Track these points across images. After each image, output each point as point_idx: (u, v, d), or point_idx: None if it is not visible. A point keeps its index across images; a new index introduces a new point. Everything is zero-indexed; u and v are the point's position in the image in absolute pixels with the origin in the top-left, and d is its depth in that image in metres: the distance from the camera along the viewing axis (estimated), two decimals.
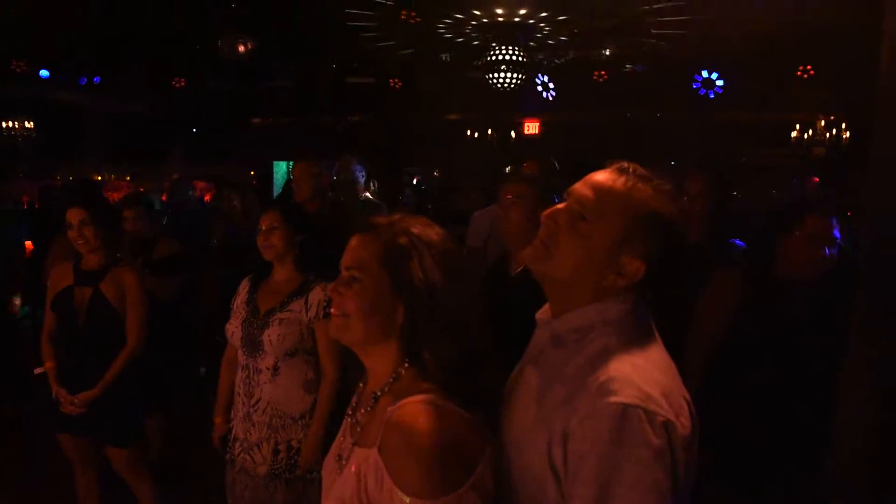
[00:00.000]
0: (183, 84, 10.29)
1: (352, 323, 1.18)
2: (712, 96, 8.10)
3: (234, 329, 2.60)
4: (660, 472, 1.02)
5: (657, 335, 1.21)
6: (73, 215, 2.84)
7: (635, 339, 1.16)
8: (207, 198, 7.46)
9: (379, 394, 1.20)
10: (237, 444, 2.58)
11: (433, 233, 1.21)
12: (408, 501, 1.06)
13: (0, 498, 3.73)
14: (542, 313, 1.30)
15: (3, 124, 10.13)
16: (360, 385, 1.31)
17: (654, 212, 1.17)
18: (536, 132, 12.36)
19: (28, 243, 5.44)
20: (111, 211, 3.07)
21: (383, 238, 1.19)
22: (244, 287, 2.71)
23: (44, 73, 9.37)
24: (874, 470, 1.96)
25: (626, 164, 1.22)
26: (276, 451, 2.52)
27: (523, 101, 9.53)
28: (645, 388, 1.06)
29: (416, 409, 1.09)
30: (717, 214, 2.99)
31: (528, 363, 1.27)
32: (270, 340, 2.50)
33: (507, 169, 3.71)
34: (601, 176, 1.23)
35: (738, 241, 4.53)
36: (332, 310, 1.21)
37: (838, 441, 2.08)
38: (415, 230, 1.20)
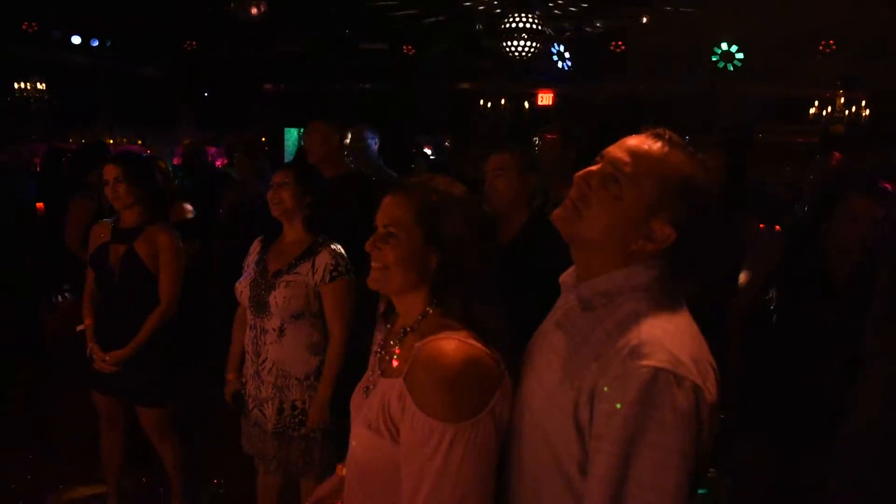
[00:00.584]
0: (195, 46, 10.20)
1: (390, 274, 1.30)
2: (731, 69, 7.95)
3: (242, 289, 2.64)
4: (684, 435, 1.05)
5: (684, 303, 1.22)
6: (109, 172, 2.85)
7: (664, 304, 1.17)
8: (219, 163, 7.44)
9: (408, 329, 1.33)
10: (250, 400, 2.67)
11: (458, 190, 1.34)
12: (416, 413, 1.17)
13: (19, 457, 3.80)
14: (567, 276, 1.33)
15: (16, 86, 10.09)
16: (388, 325, 1.44)
17: (688, 178, 1.17)
18: (550, 104, 12.22)
19: (39, 204, 5.46)
20: (147, 168, 3.06)
21: (415, 197, 1.31)
22: (255, 247, 2.74)
23: (55, 34, 9.32)
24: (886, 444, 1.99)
25: (661, 130, 1.22)
26: (280, 411, 2.58)
27: (537, 71, 9.41)
28: (675, 353, 1.08)
29: (440, 342, 1.21)
30: (733, 189, 3.01)
31: (554, 326, 1.29)
32: (276, 302, 2.53)
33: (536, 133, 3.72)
34: (636, 140, 1.23)
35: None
36: (373, 263, 1.32)
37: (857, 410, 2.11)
38: (442, 188, 1.33)
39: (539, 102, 12.16)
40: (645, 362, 1.06)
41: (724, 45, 7.88)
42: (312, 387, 2.59)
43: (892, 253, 2.16)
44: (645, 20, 8.25)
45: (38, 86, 10.12)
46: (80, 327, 3.00)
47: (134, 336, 2.87)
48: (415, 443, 1.17)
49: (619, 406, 1.06)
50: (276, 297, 2.53)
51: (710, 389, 1.10)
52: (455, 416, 1.16)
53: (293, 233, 2.64)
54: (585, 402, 1.12)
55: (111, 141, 11.38)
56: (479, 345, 1.22)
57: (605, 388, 1.09)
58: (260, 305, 2.58)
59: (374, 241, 1.32)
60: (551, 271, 1.43)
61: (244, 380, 2.73)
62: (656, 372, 1.05)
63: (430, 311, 1.31)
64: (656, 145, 1.20)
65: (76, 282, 5.14)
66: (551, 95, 12.16)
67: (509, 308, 1.33)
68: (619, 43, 8.88)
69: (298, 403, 2.59)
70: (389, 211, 1.32)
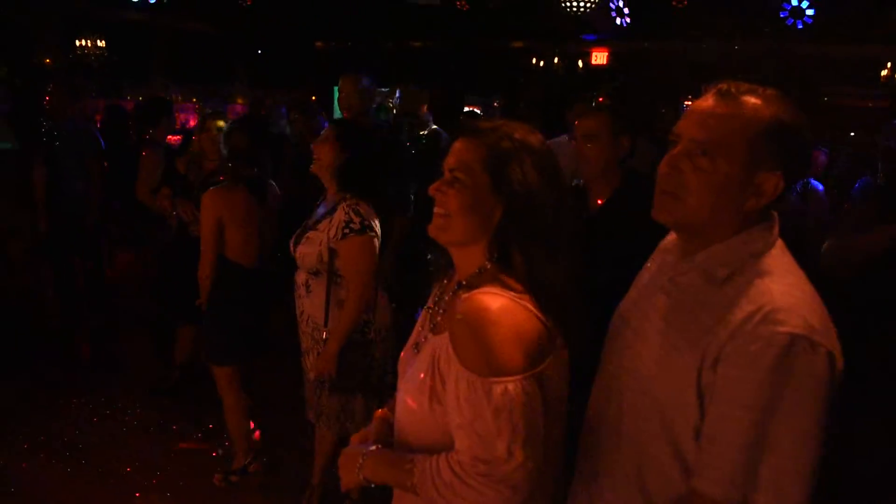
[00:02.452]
0: (249, 4, 10.20)
1: (452, 222, 1.24)
2: (800, 27, 7.55)
3: (291, 241, 2.69)
4: (821, 403, 1.05)
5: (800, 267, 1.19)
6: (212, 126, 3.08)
7: (789, 268, 1.16)
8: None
9: (463, 283, 1.27)
10: (302, 353, 2.75)
11: (533, 139, 1.25)
12: (461, 371, 1.14)
13: (87, 400, 4.01)
14: (669, 243, 1.32)
15: (77, 43, 10.30)
16: (444, 280, 1.39)
17: (774, 120, 1.14)
18: (604, 62, 11.86)
19: (104, 162, 5.61)
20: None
21: (487, 142, 1.23)
22: (317, 204, 2.79)
23: None
24: None
25: (723, 86, 1.18)
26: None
27: (593, 28, 9.12)
28: (810, 319, 1.07)
29: (485, 296, 1.16)
30: None
31: (657, 291, 1.27)
32: (299, 256, 2.61)
33: (577, 101, 3.51)
34: (704, 104, 1.18)
35: (813, 182, 4.35)
36: (435, 209, 1.26)
37: None
38: (517, 135, 1.23)
39: (593, 61, 11.81)
40: (781, 329, 1.05)
41: (794, 1, 7.48)
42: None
43: None
44: None
45: (99, 43, 10.30)
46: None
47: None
48: (457, 398, 1.15)
49: (752, 373, 1.05)
50: (300, 252, 2.61)
51: (840, 358, 1.09)
52: (486, 370, 1.12)
53: (331, 189, 2.67)
54: (710, 366, 1.10)
55: (167, 98, 11.58)
56: (532, 308, 1.17)
57: (737, 354, 1.07)
58: (294, 259, 2.67)
59: (439, 185, 1.26)
60: (638, 242, 1.43)
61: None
62: (793, 338, 1.04)
63: (489, 266, 1.23)
64: (728, 103, 1.16)
65: (138, 235, 5.36)
66: (606, 54, 11.80)
67: (591, 278, 1.27)
68: None
69: None
70: (458, 154, 1.25)
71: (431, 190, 1.26)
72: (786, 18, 7.58)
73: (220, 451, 3.48)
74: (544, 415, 1.16)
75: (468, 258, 1.27)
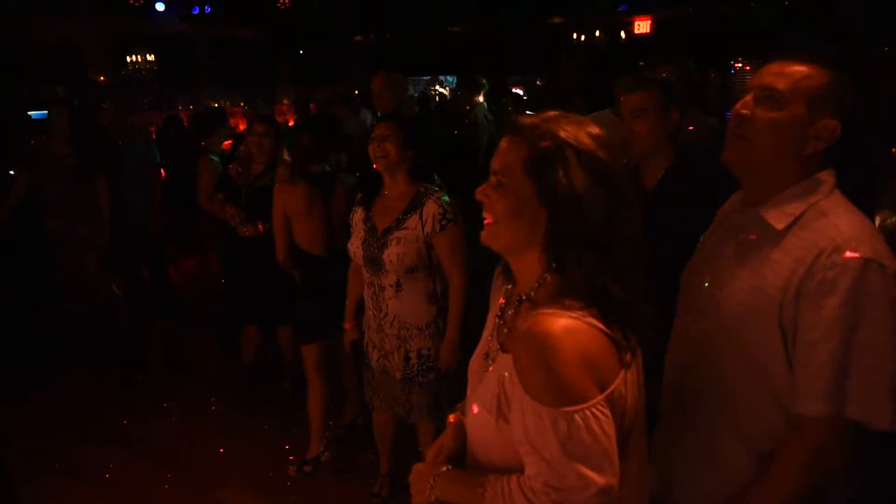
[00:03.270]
0: (287, 5, 10.36)
1: (500, 229, 1.18)
2: None
3: (355, 248, 2.71)
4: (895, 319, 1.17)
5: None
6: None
7: (849, 207, 1.29)
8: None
9: (524, 297, 1.21)
10: (375, 352, 2.78)
11: (584, 135, 1.13)
12: (525, 400, 1.09)
13: (161, 399, 4.19)
14: (729, 207, 1.44)
15: (129, 59, 10.68)
16: (509, 286, 1.32)
17: (836, 78, 1.29)
18: (648, 31, 11.55)
19: (161, 171, 5.81)
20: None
21: (528, 141, 1.14)
22: (358, 206, 2.79)
23: (159, 6, 9.73)
24: None
25: (791, 53, 1.33)
26: (406, 359, 2.67)
27: None
28: (877, 245, 1.21)
29: (548, 319, 1.08)
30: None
31: (728, 245, 1.39)
32: (391, 260, 2.58)
33: (622, 75, 3.38)
34: (776, 66, 1.33)
35: None
36: (484, 214, 1.20)
37: None
38: (563, 133, 1.13)
39: (636, 31, 11.53)
40: (853, 254, 1.18)
41: None
42: (434, 334, 2.66)
43: None
44: None
45: (148, 57, 10.65)
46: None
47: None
48: (524, 425, 1.10)
49: (833, 297, 1.16)
50: (390, 255, 2.58)
51: None
52: (560, 401, 1.05)
53: (396, 186, 2.65)
54: (791, 301, 1.22)
55: (215, 104, 11.89)
56: (597, 323, 1.09)
57: (818, 284, 1.18)
58: (375, 264, 2.63)
59: (484, 188, 1.19)
60: (695, 219, 1.50)
61: (364, 330, 2.84)
62: (866, 261, 1.17)
63: (548, 278, 1.16)
64: (797, 64, 1.31)
65: (199, 239, 5.54)
66: (649, 22, 11.49)
67: (662, 254, 1.25)
68: None
69: (424, 351, 2.67)
70: (502, 156, 1.17)
71: (477, 194, 1.20)
72: None
73: (290, 445, 3.59)
74: (619, 432, 1.11)
75: (525, 267, 1.20)
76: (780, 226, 1.29)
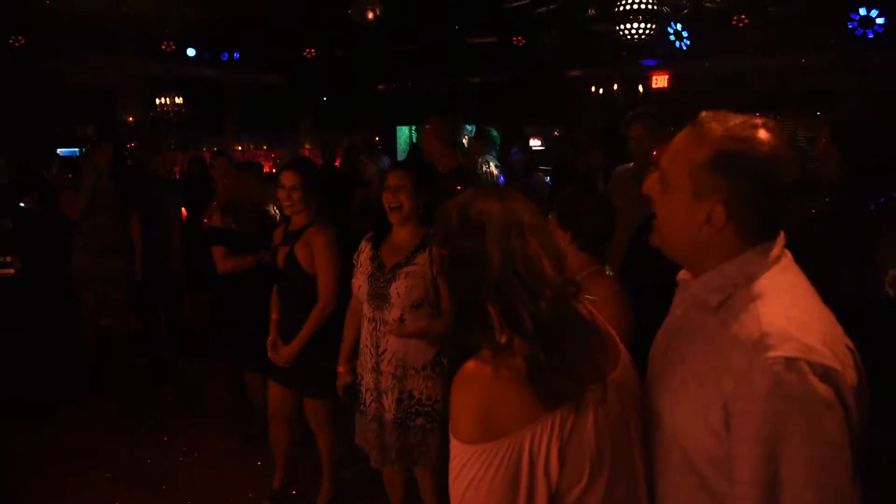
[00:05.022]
0: (313, 54, 10.67)
1: None
2: (871, 36, 7.27)
3: (360, 283, 2.73)
4: (832, 424, 0.99)
5: (809, 282, 1.16)
6: (287, 178, 3.09)
7: (784, 289, 1.11)
8: (338, 163, 7.75)
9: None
10: (368, 394, 2.74)
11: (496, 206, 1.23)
12: (454, 441, 1.18)
13: (171, 436, 4.19)
14: (683, 274, 1.27)
15: (157, 101, 11.01)
16: None
17: (719, 151, 1.11)
18: (665, 85, 11.72)
19: (182, 209, 5.94)
20: (316, 174, 3.37)
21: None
22: (365, 245, 2.81)
23: (190, 51, 10.08)
24: None
25: (703, 113, 1.17)
26: (399, 401, 2.67)
27: (651, 51, 9.05)
28: (804, 339, 1.02)
29: (470, 366, 1.19)
30: (853, 174, 2.74)
31: (676, 330, 1.25)
32: (398, 293, 2.60)
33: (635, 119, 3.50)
34: (679, 133, 1.20)
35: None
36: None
37: None
38: (480, 205, 1.23)
39: (654, 85, 11.70)
40: (772, 353, 1.01)
41: (862, 11, 7.23)
42: (429, 377, 2.65)
43: None
44: None
45: (177, 100, 10.98)
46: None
47: (297, 332, 3.07)
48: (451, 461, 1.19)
49: (752, 405, 1.01)
50: (398, 288, 2.60)
51: (850, 373, 1.05)
52: (463, 437, 1.15)
53: (406, 230, 2.70)
54: (717, 406, 1.07)
55: (239, 147, 12.17)
56: (510, 381, 1.14)
57: (738, 388, 1.03)
58: (380, 298, 2.65)
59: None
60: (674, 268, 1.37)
61: (360, 373, 2.82)
62: (787, 362, 1.00)
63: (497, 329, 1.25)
64: (685, 132, 1.18)
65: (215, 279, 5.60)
66: (667, 77, 11.66)
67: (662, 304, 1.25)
68: (742, 17, 8.36)
69: (416, 393, 2.65)
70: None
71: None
72: (854, 29, 7.33)
73: (298, 489, 3.55)
74: (520, 480, 1.14)
75: None
76: (705, 309, 1.16)
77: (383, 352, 2.68)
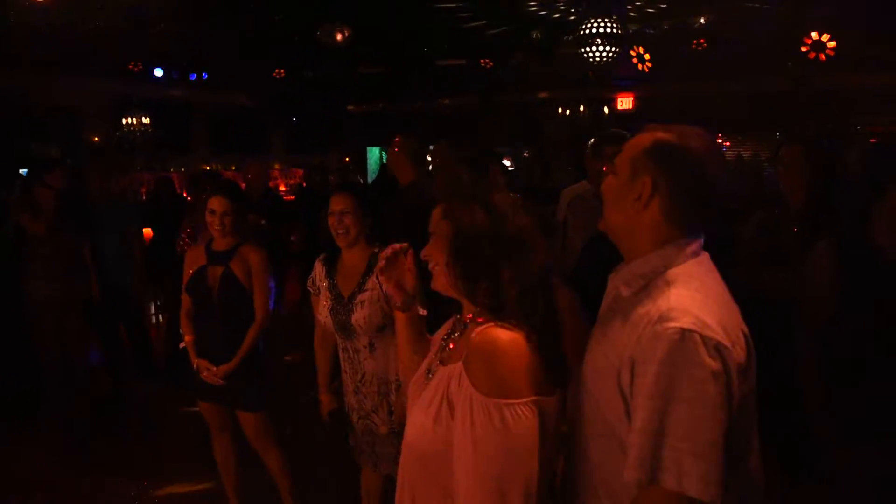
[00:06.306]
0: (283, 74, 10.70)
1: (438, 272, 1.45)
2: (822, 59, 7.57)
3: (324, 318, 2.75)
4: (714, 389, 1.16)
5: (720, 278, 1.34)
6: (217, 204, 3.06)
7: (695, 277, 1.29)
8: (304, 185, 7.77)
9: (468, 321, 1.43)
10: (354, 414, 2.77)
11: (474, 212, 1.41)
12: (473, 394, 1.28)
13: (142, 465, 4.09)
14: (618, 267, 1.47)
15: (124, 121, 10.92)
16: (457, 316, 1.53)
17: (655, 143, 1.33)
18: (630, 107, 12.00)
19: (147, 230, 5.88)
20: (244, 197, 3.38)
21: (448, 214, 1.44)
22: (320, 269, 2.85)
23: (157, 71, 10.03)
24: None
25: (651, 124, 1.39)
26: (390, 413, 2.69)
27: (616, 74, 9.28)
28: (701, 316, 1.19)
29: (495, 331, 1.32)
30: (819, 185, 2.92)
31: (602, 315, 1.44)
32: (360, 324, 2.64)
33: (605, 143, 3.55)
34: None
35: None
36: (430, 267, 1.46)
37: None
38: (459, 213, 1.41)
39: (619, 107, 11.97)
40: (672, 324, 1.18)
41: (814, 35, 7.52)
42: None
43: None
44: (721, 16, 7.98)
45: (143, 120, 10.90)
46: (182, 344, 3.21)
47: (236, 349, 3.06)
48: (470, 420, 1.27)
49: (651, 365, 1.18)
50: (358, 319, 2.64)
51: (739, 352, 1.22)
52: (492, 392, 1.26)
53: (354, 252, 2.73)
54: (627, 368, 1.24)
55: (207, 168, 12.10)
56: (530, 345, 1.31)
57: (642, 351, 1.21)
58: (345, 329, 2.69)
59: (426, 249, 1.47)
60: None
61: (344, 397, 2.83)
62: (682, 332, 1.17)
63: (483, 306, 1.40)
64: (636, 136, 1.39)
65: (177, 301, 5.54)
66: (631, 99, 11.95)
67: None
68: (702, 41, 8.63)
69: None
70: (433, 220, 1.48)
71: (422, 254, 1.48)
72: (807, 52, 7.61)
73: None
74: (542, 435, 1.29)
75: (465, 302, 1.45)
76: (626, 293, 1.33)
77: (362, 375, 2.71)
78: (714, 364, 1.15)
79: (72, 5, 5.51)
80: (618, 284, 1.38)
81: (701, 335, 1.16)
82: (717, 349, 1.16)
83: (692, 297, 1.23)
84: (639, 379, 1.20)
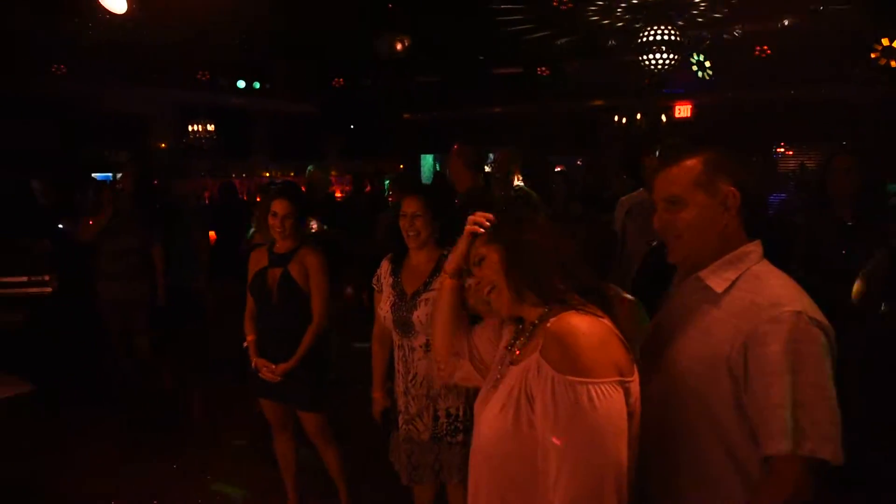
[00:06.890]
0: (342, 83, 10.94)
1: (493, 297, 1.48)
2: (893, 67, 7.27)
3: (385, 312, 2.79)
4: (828, 361, 1.36)
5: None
6: (280, 207, 3.17)
7: (775, 273, 1.48)
8: (368, 189, 7.90)
9: (537, 322, 1.44)
10: (401, 417, 2.78)
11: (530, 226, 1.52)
12: (554, 376, 1.27)
13: (201, 460, 4.24)
14: (677, 276, 1.64)
15: (190, 128, 11.33)
16: (519, 326, 1.54)
17: (704, 159, 1.49)
18: (689, 115, 11.77)
19: (212, 233, 6.09)
20: (306, 201, 3.48)
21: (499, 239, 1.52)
22: (386, 268, 2.89)
23: (223, 81, 10.40)
24: None
25: (674, 144, 1.59)
26: (436, 419, 2.70)
27: (674, 82, 9.13)
28: (804, 302, 1.40)
29: (571, 316, 1.34)
30: (867, 196, 3.11)
31: (679, 309, 1.56)
32: (420, 321, 2.66)
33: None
34: (662, 175, 1.56)
35: None
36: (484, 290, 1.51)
37: None
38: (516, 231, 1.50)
39: (677, 115, 11.75)
40: (787, 308, 1.36)
41: (884, 41, 7.24)
42: (462, 393, 2.69)
43: None
44: (790, 22, 7.76)
45: (209, 127, 11.29)
46: (245, 343, 3.32)
47: (294, 349, 3.15)
48: (553, 404, 1.27)
49: (775, 345, 1.33)
50: (420, 316, 2.66)
51: (832, 332, 1.39)
52: (574, 371, 1.26)
53: (423, 254, 2.75)
54: (738, 351, 1.38)
55: (267, 174, 12.44)
56: (609, 324, 1.36)
57: (761, 335, 1.35)
58: (405, 326, 2.72)
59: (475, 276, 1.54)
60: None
61: (395, 397, 2.85)
62: (798, 314, 1.35)
63: (551, 308, 1.42)
64: (672, 163, 1.54)
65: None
66: (689, 107, 11.72)
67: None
68: (765, 47, 8.42)
69: (452, 410, 2.69)
70: (475, 250, 1.55)
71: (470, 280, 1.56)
72: (878, 59, 7.32)
73: None
74: (626, 412, 1.30)
75: (529, 311, 1.48)
76: (719, 289, 1.47)
77: (413, 376, 2.73)
78: (825, 341, 1.36)
79: (146, 20, 5.78)
80: (704, 283, 1.50)
81: (809, 316, 1.35)
82: (821, 328, 1.36)
83: (787, 285, 1.44)
84: (761, 360, 1.35)
